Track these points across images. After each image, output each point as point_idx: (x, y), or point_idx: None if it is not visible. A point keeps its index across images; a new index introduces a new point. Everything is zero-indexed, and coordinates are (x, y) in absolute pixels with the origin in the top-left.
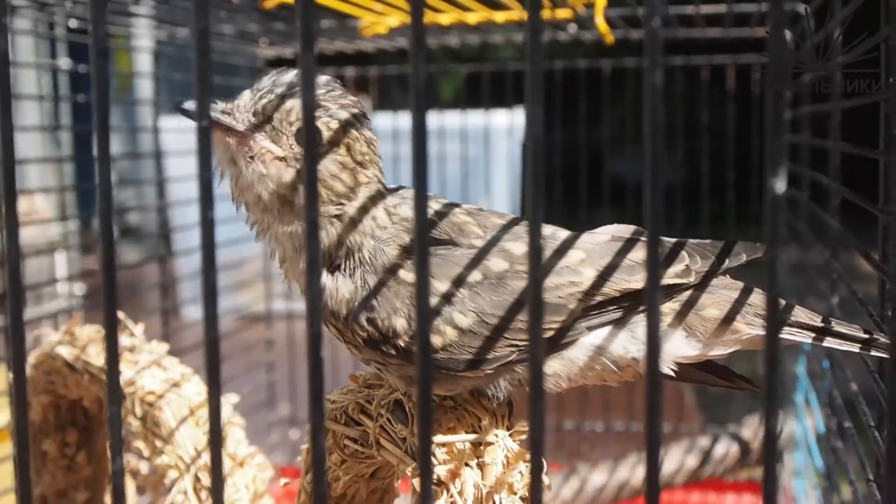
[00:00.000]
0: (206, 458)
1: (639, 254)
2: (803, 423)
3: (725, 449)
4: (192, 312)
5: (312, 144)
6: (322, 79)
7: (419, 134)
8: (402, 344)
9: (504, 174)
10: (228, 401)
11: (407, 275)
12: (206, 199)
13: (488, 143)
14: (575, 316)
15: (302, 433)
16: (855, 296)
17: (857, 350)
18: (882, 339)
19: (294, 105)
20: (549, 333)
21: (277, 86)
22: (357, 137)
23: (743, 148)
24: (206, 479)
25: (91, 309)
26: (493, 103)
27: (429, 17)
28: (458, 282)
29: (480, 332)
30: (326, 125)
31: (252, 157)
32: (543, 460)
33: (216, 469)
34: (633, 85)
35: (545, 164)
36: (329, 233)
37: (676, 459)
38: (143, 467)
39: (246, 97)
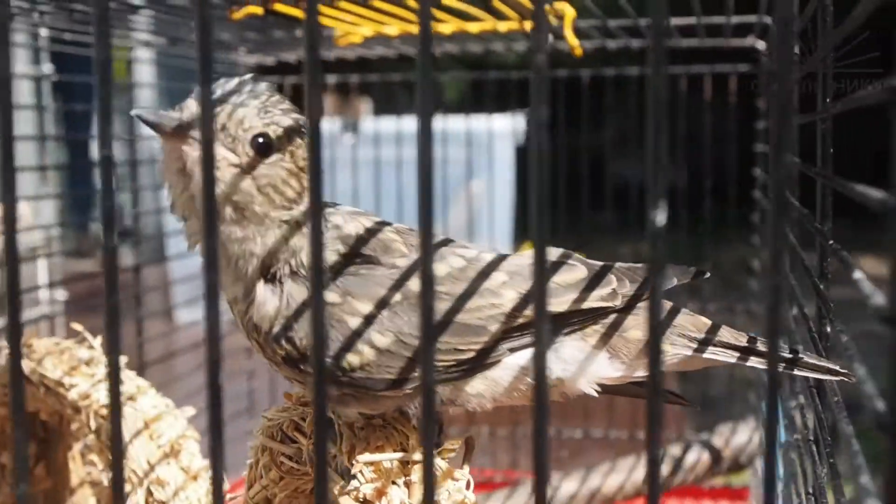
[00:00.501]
0: (159, 471)
1: (563, 276)
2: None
3: (696, 457)
4: (185, 315)
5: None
6: (261, 86)
7: (424, 141)
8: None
9: (507, 178)
10: (185, 414)
11: (327, 294)
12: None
13: (491, 147)
14: (496, 338)
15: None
16: (801, 311)
17: (781, 369)
18: (806, 359)
19: (247, 113)
20: (470, 354)
21: (227, 94)
22: (300, 144)
23: (720, 155)
24: (158, 493)
25: (73, 315)
26: (496, 108)
27: (402, 28)
28: (378, 302)
29: (399, 353)
30: (274, 132)
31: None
32: (467, 473)
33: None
34: (636, 90)
35: (547, 168)
36: (273, 237)
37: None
38: (105, 479)
39: (195, 106)
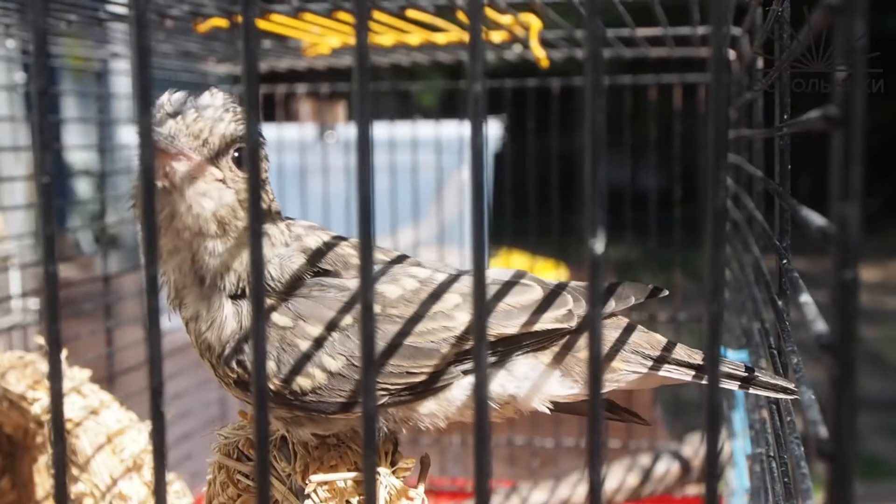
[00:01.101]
0: (121, 486)
1: (517, 298)
2: (738, 443)
3: (666, 467)
4: (163, 321)
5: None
6: (229, 98)
7: (362, 148)
8: (272, 387)
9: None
10: (147, 428)
11: (279, 318)
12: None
13: (462, 154)
14: (448, 360)
15: None
16: (762, 326)
17: (737, 388)
18: (760, 377)
19: (227, 127)
20: (422, 377)
21: (200, 108)
22: (265, 155)
23: (690, 164)
24: None
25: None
26: (468, 115)
27: (397, 37)
28: (330, 325)
29: (350, 376)
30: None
31: (195, 181)
32: (421, 492)
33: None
34: (606, 99)
35: (517, 173)
36: (245, 256)
37: (617, 478)
38: (71, 491)
39: (173, 122)
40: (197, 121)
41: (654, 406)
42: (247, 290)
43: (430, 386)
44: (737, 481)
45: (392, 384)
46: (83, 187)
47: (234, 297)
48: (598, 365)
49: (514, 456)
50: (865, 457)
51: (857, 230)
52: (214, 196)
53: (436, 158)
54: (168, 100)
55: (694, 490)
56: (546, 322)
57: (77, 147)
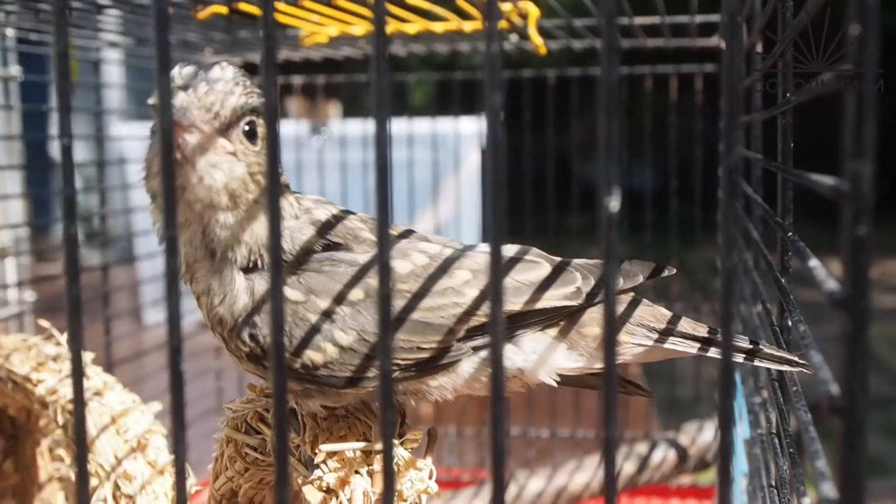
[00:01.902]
0: (126, 466)
1: (525, 275)
2: (737, 429)
3: (663, 455)
4: (152, 316)
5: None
6: (239, 71)
7: (381, 144)
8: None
9: (473, 180)
10: (151, 409)
11: (291, 292)
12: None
13: (458, 150)
14: (457, 336)
15: None
16: (764, 307)
17: (742, 360)
18: (765, 350)
19: (237, 101)
20: (431, 353)
21: (212, 80)
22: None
23: (686, 156)
24: (125, 487)
25: (42, 315)
26: (462, 110)
27: (395, 26)
28: (341, 300)
29: (361, 351)
30: (257, 119)
31: (206, 153)
32: (429, 463)
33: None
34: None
35: (512, 169)
36: (260, 225)
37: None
38: (73, 474)
39: (184, 95)
40: (208, 94)
41: (648, 402)
42: (258, 263)
43: (439, 361)
44: (735, 467)
45: (402, 359)
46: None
47: (246, 269)
48: (612, 325)
49: (511, 447)
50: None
51: (869, 187)
52: (225, 168)
53: (431, 155)
54: (179, 73)
55: (688, 479)
56: (554, 299)
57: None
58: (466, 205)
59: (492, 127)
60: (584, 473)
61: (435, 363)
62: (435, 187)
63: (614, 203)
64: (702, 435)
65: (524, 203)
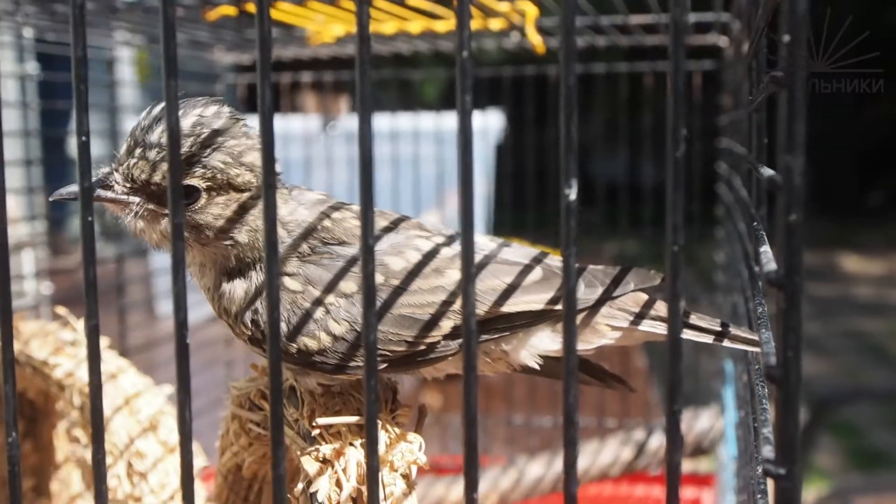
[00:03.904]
0: (138, 444)
1: (519, 278)
2: (729, 416)
3: (660, 441)
4: (165, 307)
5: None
6: (187, 121)
7: (364, 141)
8: (281, 345)
9: (479, 175)
10: (163, 391)
11: (290, 282)
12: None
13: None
14: (445, 333)
15: None
16: (745, 300)
17: (711, 341)
18: (732, 331)
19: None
20: (420, 347)
21: (148, 147)
22: (237, 174)
23: (685, 151)
24: (138, 465)
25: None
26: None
27: (397, 25)
28: (337, 292)
29: (352, 340)
30: (202, 177)
31: (136, 216)
32: (419, 437)
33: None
34: (603, 88)
35: (515, 165)
36: (232, 252)
37: (612, 451)
38: (88, 454)
39: (122, 160)
40: (134, 166)
41: (650, 384)
42: (251, 264)
43: (428, 356)
44: (726, 454)
45: (390, 351)
46: None
47: (251, 265)
48: (573, 303)
49: (513, 436)
50: (867, 449)
51: (800, 178)
52: (163, 228)
53: (437, 150)
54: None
55: (688, 466)
56: (546, 303)
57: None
58: (475, 200)
59: (463, 125)
60: (583, 459)
61: (423, 356)
62: (440, 183)
63: (572, 193)
64: (698, 422)
65: (527, 197)
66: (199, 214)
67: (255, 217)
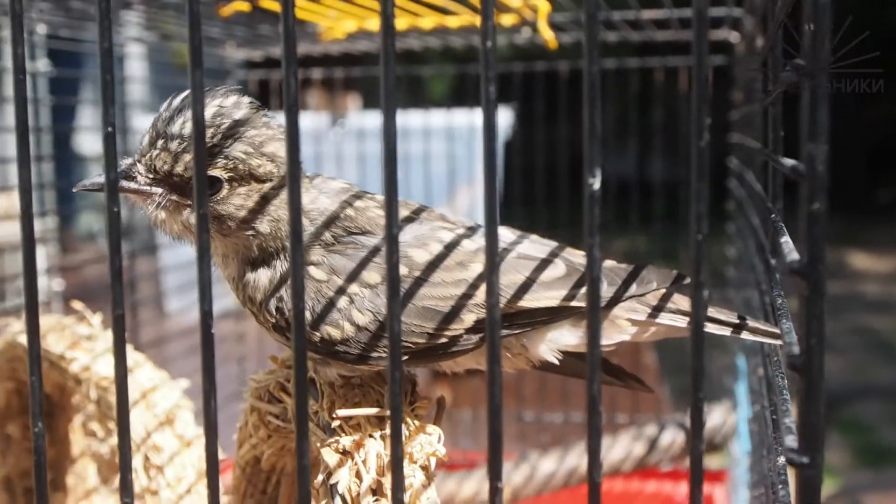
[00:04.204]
0: (155, 438)
1: (541, 273)
2: (741, 412)
3: (672, 437)
4: (174, 303)
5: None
6: (208, 111)
7: (388, 136)
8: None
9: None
10: (179, 385)
11: (315, 271)
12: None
13: (473, 142)
14: (467, 326)
15: None
16: (761, 295)
17: (730, 334)
18: (751, 324)
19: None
20: (442, 340)
21: (170, 138)
22: (258, 164)
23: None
24: (155, 458)
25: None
26: (478, 102)
27: (409, 21)
28: (361, 282)
29: (375, 331)
30: (224, 167)
31: (158, 207)
32: (438, 429)
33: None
34: (613, 84)
35: (527, 161)
36: (254, 242)
37: (624, 447)
38: (104, 448)
39: (144, 151)
40: (157, 157)
41: (661, 382)
42: (274, 252)
43: (450, 349)
44: (739, 449)
45: (413, 342)
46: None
47: (255, 265)
48: (597, 292)
49: (524, 432)
50: (876, 446)
51: (822, 166)
52: (186, 219)
53: (447, 147)
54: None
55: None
56: (565, 299)
57: (92, 130)
58: (482, 195)
59: (488, 118)
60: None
61: (445, 349)
62: (451, 179)
63: (596, 182)
64: (710, 418)
65: (537, 195)
66: (222, 205)
67: (277, 207)
